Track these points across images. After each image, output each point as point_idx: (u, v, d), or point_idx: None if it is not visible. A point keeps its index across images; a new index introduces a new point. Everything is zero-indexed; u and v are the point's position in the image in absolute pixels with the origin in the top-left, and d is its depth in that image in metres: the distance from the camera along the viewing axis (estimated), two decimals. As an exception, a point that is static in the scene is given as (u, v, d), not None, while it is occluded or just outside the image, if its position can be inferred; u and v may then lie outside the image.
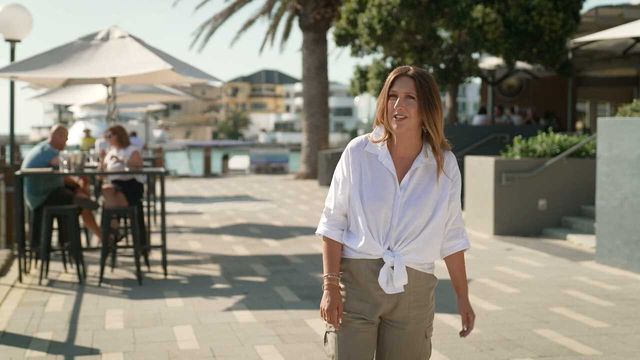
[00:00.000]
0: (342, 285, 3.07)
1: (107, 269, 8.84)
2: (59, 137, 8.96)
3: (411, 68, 2.97)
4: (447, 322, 6.33)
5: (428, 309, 3.08)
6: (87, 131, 25.57)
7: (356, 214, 3.00)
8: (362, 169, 3.00)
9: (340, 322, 3.05)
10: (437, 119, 2.93)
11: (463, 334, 3.16)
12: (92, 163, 9.88)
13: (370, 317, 3.02)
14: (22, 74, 8.91)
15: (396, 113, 2.93)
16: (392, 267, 2.96)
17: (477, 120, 19.69)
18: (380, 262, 2.98)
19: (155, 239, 10.94)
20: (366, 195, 2.97)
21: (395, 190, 2.97)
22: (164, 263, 8.44)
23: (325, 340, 3.13)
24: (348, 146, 3.05)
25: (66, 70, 8.85)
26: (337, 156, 21.32)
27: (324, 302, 3.05)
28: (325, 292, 3.06)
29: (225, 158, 32.78)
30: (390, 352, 3.07)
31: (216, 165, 35.71)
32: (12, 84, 10.65)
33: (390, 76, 2.98)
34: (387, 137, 3.00)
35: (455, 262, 3.14)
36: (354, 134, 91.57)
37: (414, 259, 2.98)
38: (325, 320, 3.07)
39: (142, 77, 10.70)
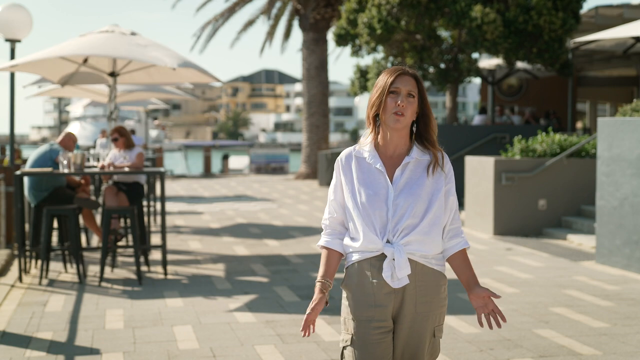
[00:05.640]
0: (350, 295, 3.07)
1: (107, 269, 8.84)
2: (68, 142, 9.08)
3: (406, 68, 3.08)
4: (447, 322, 6.32)
5: (438, 307, 3.06)
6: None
7: (352, 213, 3.06)
8: (352, 172, 3.09)
9: (313, 329, 3.05)
10: (432, 114, 3.11)
11: (493, 322, 3.05)
12: (92, 163, 9.87)
13: (385, 320, 3.01)
14: (22, 61, 8.86)
15: (397, 110, 3.01)
16: (394, 260, 2.98)
17: (477, 120, 19.70)
18: (382, 258, 3.00)
19: (155, 239, 10.93)
20: (358, 192, 3.04)
21: (386, 185, 3.03)
22: (164, 263, 8.44)
23: (342, 356, 3.09)
24: (338, 157, 3.14)
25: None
26: (337, 156, 21.26)
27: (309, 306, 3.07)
28: (314, 295, 3.07)
29: (225, 158, 32.78)
30: (402, 353, 3.06)
31: (216, 165, 35.70)
32: (12, 84, 10.63)
33: (391, 74, 3.05)
34: (374, 138, 3.09)
35: (459, 258, 3.13)
36: (354, 134, 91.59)
37: (416, 250, 3.00)
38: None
39: (142, 77, 10.68)
